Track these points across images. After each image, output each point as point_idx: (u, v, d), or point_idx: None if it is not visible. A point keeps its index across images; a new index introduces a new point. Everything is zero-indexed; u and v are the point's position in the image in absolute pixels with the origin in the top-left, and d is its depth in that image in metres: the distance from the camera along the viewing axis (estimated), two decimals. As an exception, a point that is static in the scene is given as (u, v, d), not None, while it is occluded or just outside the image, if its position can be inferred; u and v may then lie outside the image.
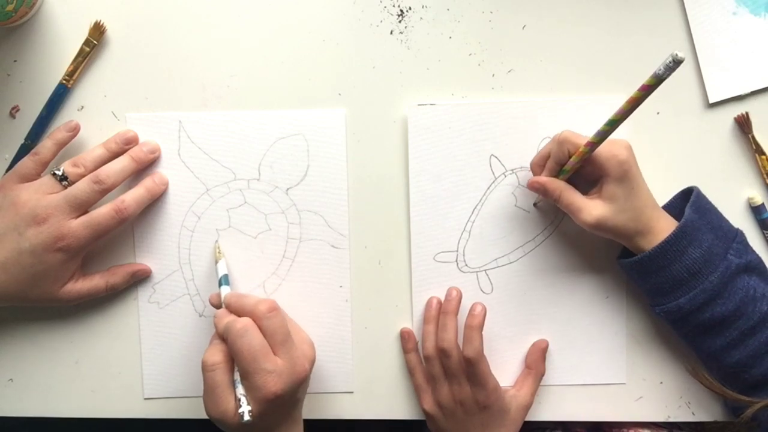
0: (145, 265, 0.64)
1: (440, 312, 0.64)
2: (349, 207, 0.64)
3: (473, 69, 0.63)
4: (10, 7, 0.58)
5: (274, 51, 0.63)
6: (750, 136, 0.63)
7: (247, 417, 0.53)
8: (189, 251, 0.64)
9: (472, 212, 0.64)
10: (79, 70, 0.63)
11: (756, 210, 0.64)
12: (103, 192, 0.59)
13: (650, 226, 0.58)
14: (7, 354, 0.66)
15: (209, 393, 0.55)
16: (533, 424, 0.67)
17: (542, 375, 0.65)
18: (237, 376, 0.55)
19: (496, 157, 0.64)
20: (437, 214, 0.64)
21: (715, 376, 0.60)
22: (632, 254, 0.60)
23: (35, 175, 0.60)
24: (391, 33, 0.63)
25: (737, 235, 0.60)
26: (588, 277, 0.65)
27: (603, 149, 0.56)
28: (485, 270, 0.65)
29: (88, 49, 0.62)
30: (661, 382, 0.66)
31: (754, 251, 0.61)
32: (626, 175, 0.57)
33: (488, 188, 0.64)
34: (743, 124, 0.63)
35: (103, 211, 0.59)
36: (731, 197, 0.64)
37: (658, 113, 0.63)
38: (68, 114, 0.64)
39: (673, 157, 0.64)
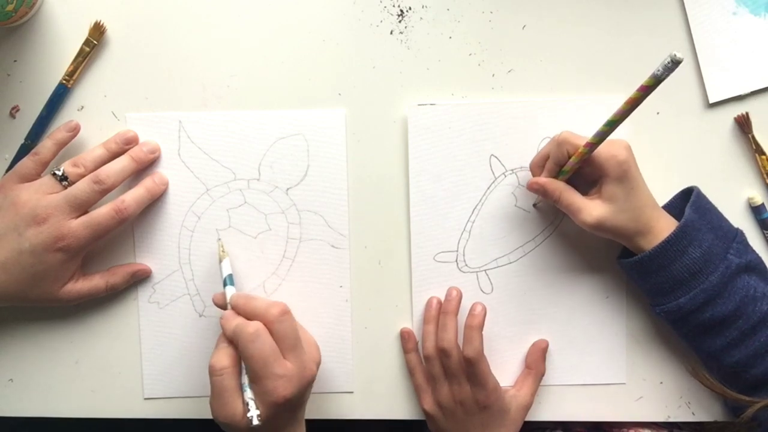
0: (145, 265, 0.64)
1: (440, 312, 0.64)
2: (349, 207, 0.64)
3: (473, 69, 0.63)
4: (10, 7, 0.58)
5: (274, 51, 0.63)
6: (750, 136, 0.63)
7: (256, 421, 0.52)
8: (189, 251, 0.64)
9: (472, 212, 0.64)
10: (79, 70, 0.63)
11: (756, 210, 0.64)
12: (103, 192, 0.59)
13: (650, 226, 0.58)
14: (7, 354, 0.66)
15: (217, 397, 0.55)
16: (533, 424, 0.67)
17: (542, 375, 0.65)
18: (245, 380, 0.55)
19: (496, 157, 0.64)
20: (437, 214, 0.64)
21: (715, 376, 0.60)
22: (632, 254, 0.60)
23: (35, 175, 0.60)
24: (391, 33, 0.63)
25: (737, 235, 0.60)
26: (588, 277, 0.65)
27: (602, 150, 0.56)
28: (485, 270, 0.65)
29: (88, 49, 0.62)
30: (661, 382, 0.66)
31: (754, 251, 0.61)
32: (626, 175, 0.57)
33: (488, 188, 0.64)
34: (743, 124, 0.63)
35: (103, 211, 0.59)
36: (731, 197, 0.64)
37: (658, 113, 0.64)
38: (68, 114, 0.64)
39: (673, 157, 0.64)
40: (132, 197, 0.61)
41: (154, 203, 0.63)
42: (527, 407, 0.64)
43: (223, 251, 0.62)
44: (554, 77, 0.63)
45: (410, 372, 0.66)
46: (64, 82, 0.63)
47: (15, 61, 0.63)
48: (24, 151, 0.63)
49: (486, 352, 0.61)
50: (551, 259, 0.65)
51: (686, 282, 0.58)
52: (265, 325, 0.55)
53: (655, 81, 0.48)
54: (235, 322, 0.56)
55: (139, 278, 0.64)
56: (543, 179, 0.60)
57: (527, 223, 0.64)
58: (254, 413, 0.53)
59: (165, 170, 0.64)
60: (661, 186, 0.61)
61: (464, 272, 0.65)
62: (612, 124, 0.53)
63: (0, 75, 0.63)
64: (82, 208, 0.59)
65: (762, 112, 0.63)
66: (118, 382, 0.66)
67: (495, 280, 0.65)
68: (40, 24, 0.63)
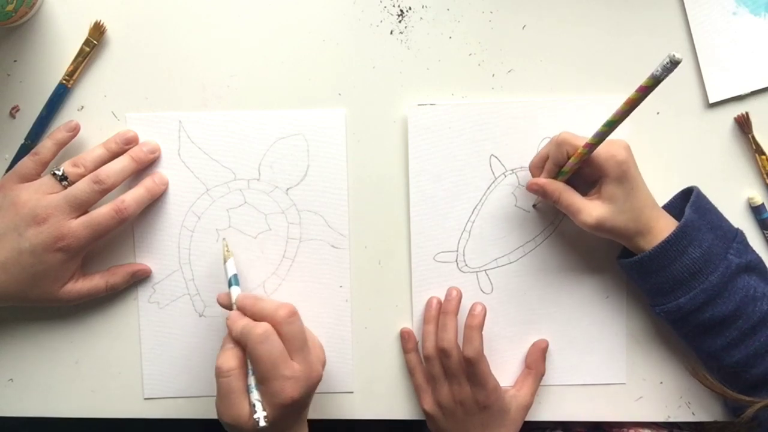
0: (145, 265, 0.64)
1: (440, 312, 0.64)
2: (349, 207, 0.64)
3: (473, 69, 0.63)
4: (10, 7, 0.58)
5: (274, 51, 0.63)
6: (750, 136, 0.63)
7: (263, 423, 0.53)
8: (189, 251, 0.64)
9: (472, 212, 0.64)
10: (79, 70, 0.63)
11: (756, 210, 0.64)
12: (103, 192, 0.59)
13: (650, 226, 0.58)
14: (7, 354, 0.66)
15: (223, 398, 0.55)
16: (533, 424, 0.67)
17: (542, 375, 0.65)
18: (251, 381, 0.55)
19: (496, 157, 0.64)
20: (437, 214, 0.64)
21: (715, 376, 0.60)
22: (632, 254, 0.60)
23: (35, 175, 0.60)
24: (391, 33, 0.63)
25: (737, 235, 0.60)
26: (588, 277, 0.65)
27: (601, 150, 0.56)
28: (485, 270, 0.65)
29: (88, 49, 0.62)
30: (661, 382, 0.66)
31: (754, 251, 0.61)
32: (625, 176, 0.57)
33: (488, 188, 0.64)
34: (743, 124, 0.63)
35: (103, 211, 0.59)
36: (731, 197, 0.64)
37: (658, 113, 0.63)
38: (68, 114, 0.64)
39: (673, 157, 0.64)
40: (132, 197, 0.61)
41: (154, 203, 0.63)
42: (527, 407, 0.64)
43: (227, 251, 0.62)
44: (554, 77, 0.63)
45: (410, 372, 0.66)
46: (64, 82, 0.63)
47: (15, 61, 0.63)
48: (24, 151, 0.63)
49: (486, 352, 0.61)
50: (551, 259, 0.65)
51: (686, 282, 0.58)
52: (272, 326, 0.55)
53: (654, 81, 0.48)
54: (242, 323, 0.56)
55: (139, 278, 0.64)
56: (542, 180, 0.60)
57: (527, 223, 0.64)
58: (261, 415, 0.53)
59: (165, 170, 0.64)
60: (661, 186, 0.61)
61: (464, 272, 0.65)
62: (611, 125, 0.53)
63: (0, 75, 0.63)
64: (82, 208, 0.59)
65: (762, 112, 0.63)
66: (118, 382, 0.66)
67: (495, 280, 0.65)
68: (40, 24, 0.63)
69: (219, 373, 0.55)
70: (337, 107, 0.64)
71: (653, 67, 0.47)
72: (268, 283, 0.65)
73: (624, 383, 0.66)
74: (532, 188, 0.61)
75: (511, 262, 0.65)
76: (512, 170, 0.64)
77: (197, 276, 0.65)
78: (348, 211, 0.64)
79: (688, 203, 0.59)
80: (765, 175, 0.63)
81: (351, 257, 0.65)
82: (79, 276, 0.62)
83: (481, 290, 0.65)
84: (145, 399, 0.66)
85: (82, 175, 0.59)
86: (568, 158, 0.58)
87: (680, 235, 0.57)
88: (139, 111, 0.63)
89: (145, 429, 0.69)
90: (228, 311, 0.59)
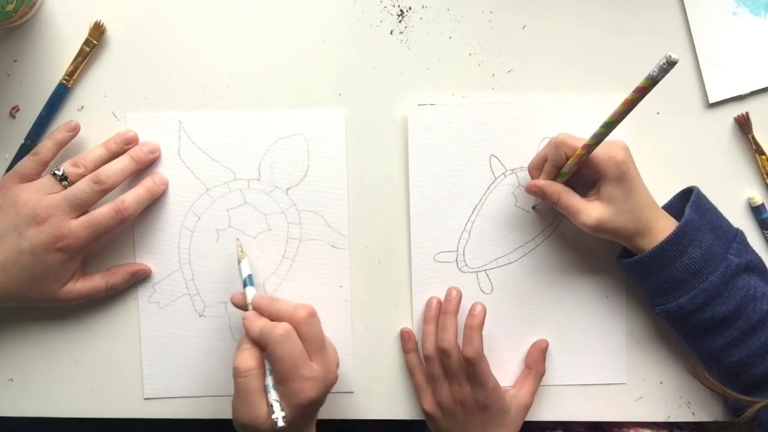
0: (145, 265, 0.64)
1: (440, 312, 0.64)
2: (349, 207, 0.64)
3: (473, 69, 0.63)
4: (10, 7, 0.58)
5: (274, 51, 0.63)
6: (750, 136, 0.63)
7: (281, 423, 0.53)
8: (189, 251, 0.64)
9: (472, 212, 0.64)
10: (79, 70, 0.63)
11: (756, 210, 0.64)
12: (103, 192, 0.59)
13: (650, 226, 0.58)
14: (7, 354, 0.66)
15: (241, 398, 0.54)
16: (533, 424, 0.67)
17: (542, 375, 0.65)
18: (269, 381, 0.55)
19: (496, 157, 0.64)
20: (437, 214, 0.64)
21: (715, 376, 0.60)
22: (632, 254, 0.60)
23: (35, 175, 0.60)
24: (391, 33, 0.63)
25: (737, 235, 0.60)
26: (588, 277, 0.65)
27: (600, 151, 0.56)
28: (485, 270, 0.65)
29: (88, 49, 0.62)
30: (661, 382, 0.66)
31: (754, 251, 0.61)
32: (624, 176, 0.57)
33: (488, 188, 0.64)
34: (743, 124, 0.63)
35: (103, 211, 0.59)
36: (731, 197, 0.64)
37: (658, 113, 0.63)
38: (68, 114, 0.64)
39: (673, 157, 0.64)
40: (132, 197, 0.61)
41: (154, 203, 0.63)
42: (527, 407, 0.64)
43: (242, 251, 0.62)
44: (554, 77, 0.63)
45: (410, 372, 0.66)
46: (64, 82, 0.63)
47: (15, 61, 0.63)
48: (24, 151, 0.63)
49: (486, 352, 0.61)
50: (551, 259, 0.65)
51: (686, 282, 0.58)
52: (293, 326, 0.55)
53: (651, 82, 0.48)
54: (260, 323, 0.56)
55: (139, 278, 0.64)
56: (541, 182, 0.60)
57: (527, 223, 0.64)
58: (279, 415, 0.53)
59: (165, 170, 0.64)
60: (661, 186, 0.61)
61: (464, 272, 0.65)
62: (609, 126, 0.53)
63: (0, 75, 0.63)
64: (82, 208, 0.59)
65: (762, 112, 0.63)
66: (118, 382, 0.66)
67: (495, 280, 0.65)
68: (40, 24, 0.63)
69: (237, 373, 0.55)
70: (337, 107, 0.64)
71: (653, 67, 0.47)
72: (268, 283, 0.65)
73: (624, 383, 0.66)
74: (531, 190, 0.61)
75: (511, 262, 0.65)
76: (512, 170, 0.64)
77: (197, 276, 0.65)
78: (348, 211, 0.64)
79: (688, 203, 0.59)
80: (765, 175, 0.63)
81: (351, 257, 0.65)
82: (79, 276, 0.62)
83: (481, 290, 0.65)
84: (145, 399, 0.66)
85: (82, 175, 0.59)
86: (567, 159, 0.58)
87: (680, 235, 0.57)
88: (139, 111, 0.63)
89: (145, 429, 0.69)
90: (242, 311, 0.59)
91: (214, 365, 0.65)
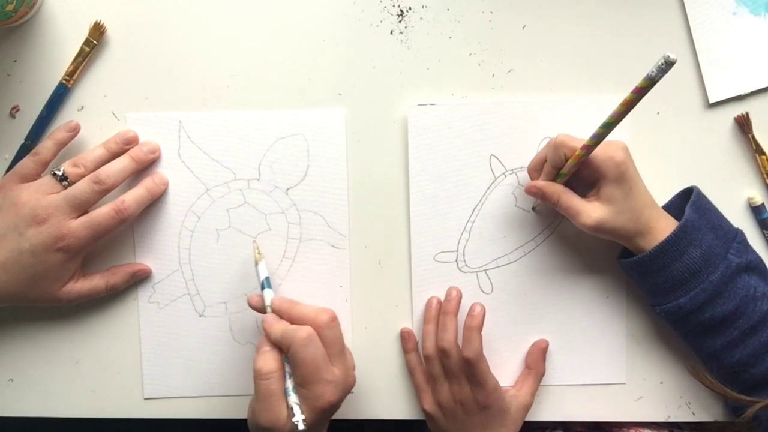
0: (145, 265, 0.64)
1: (440, 312, 0.64)
2: (349, 207, 0.64)
3: (473, 69, 0.63)
4: (10, 7, 0.58)
5: (274, 51, 0.63)
6: (750, 136, 0.63)
7: (302, 426, 0.53)
8: (189, 251, 0.64)
9: (472, 212, 0.64)
10: (79, 70, 0.63)
11: (756, 210, 0.64)
12: (103, 192, 0.59)
13: (650, 226, 0.58)
14: (7, 354, 0.66)
15: (262, 401, 0.54)
16: (533, 424, 0.67)
17: (542, 375, 0.65)
18: (289, 384, 0.55)
19: (496, 157, 0.64)
20: (437, 214, 0.64)
21: (715, 375, 0.60)
22: (632, 254, 0.60)
23: (35, 175, 0.60)
24: (391, 33, 0.63)
25: (737, 235, 0.60)
26: (588, 277, 0.65)
27: (599, 151, 0.56)
28: (485, 270, 0.65)
29: (88, 49, 0.62)
30: (661, 382, 0.66)
31: (754, 251, 0.61)
32: (623, 176, 0.57)
33: (488, 188, 0.64)
34: (743, 124, 0.63)
35: (103, 211, 0.59)
36: (731, 197, 0.64)
37: (658, 113, 0.63)
38: (68, 114, 0.64)
39: (673, 157, 0.64)
40: (132, 197, 0.61)
41: (154, 203, 0.63)
42: (527, 407, 0.64)
43: (259, 253, 0.62)
44: (554, 77, 0.63)
45: (410, 372, 0.66)
46: (64, 82, 0.63)
47: (15, 61, 0.63)
48: (24, 151, 0.63)
49: (486, 352, 0.61)
50: (551, 259, 0.65)
51: (686, 282, 0.58)
52: (315, 330, 0.55)
53: (650, 82, 0.48)
54: (280, 326, 0.56)
55: (139, 278, 0.64)
56: (541, 182, 0.60)
57: (527, 223, 0.64)
58: (299, 418, 0.53)
59: (165, 170, 0.64)
60: (661, 186, 0.61)
61: (464, 272, 0.65)
62: (608, 126, 0.53)
63: (0, 75, 0.63)
64: (82, 208, 0.59)
65: (762, 112, 0.63)
66: (118, 382, 0.66)
67: (495, 280, 0.65)
68: (40, 24, 0.63)
69: (258, 376, 0.55)
70: (337, 107, 0.64)
71: (652, 67, 0.47)
72: (268, 283, 0.65)
73: (624, 383, 0.66)
74: (530, 191, 0.61)
75: (511, 262, 0.65)
76: (512, 170, 0.64)
77: (197, 276, 0.65)
78: (348, 211, 0.64)
79: (688, 203, 0.59)
80: (765, 175, 0.63)
81: (351, 257, 0.65)
82: (79, 276, 0.62)
83: (481, 290, 0.65)
84: (145, 399, 0.66)
85: (82, 175, 0.59)
86: (566, 160, 0.58)
87: (680, 235, 0.57)
88: (139, 111, 0.63)
89: (145, 429, 0.69)
90: (258, 313, 0.59)
91: (214, 365, 0.65)
